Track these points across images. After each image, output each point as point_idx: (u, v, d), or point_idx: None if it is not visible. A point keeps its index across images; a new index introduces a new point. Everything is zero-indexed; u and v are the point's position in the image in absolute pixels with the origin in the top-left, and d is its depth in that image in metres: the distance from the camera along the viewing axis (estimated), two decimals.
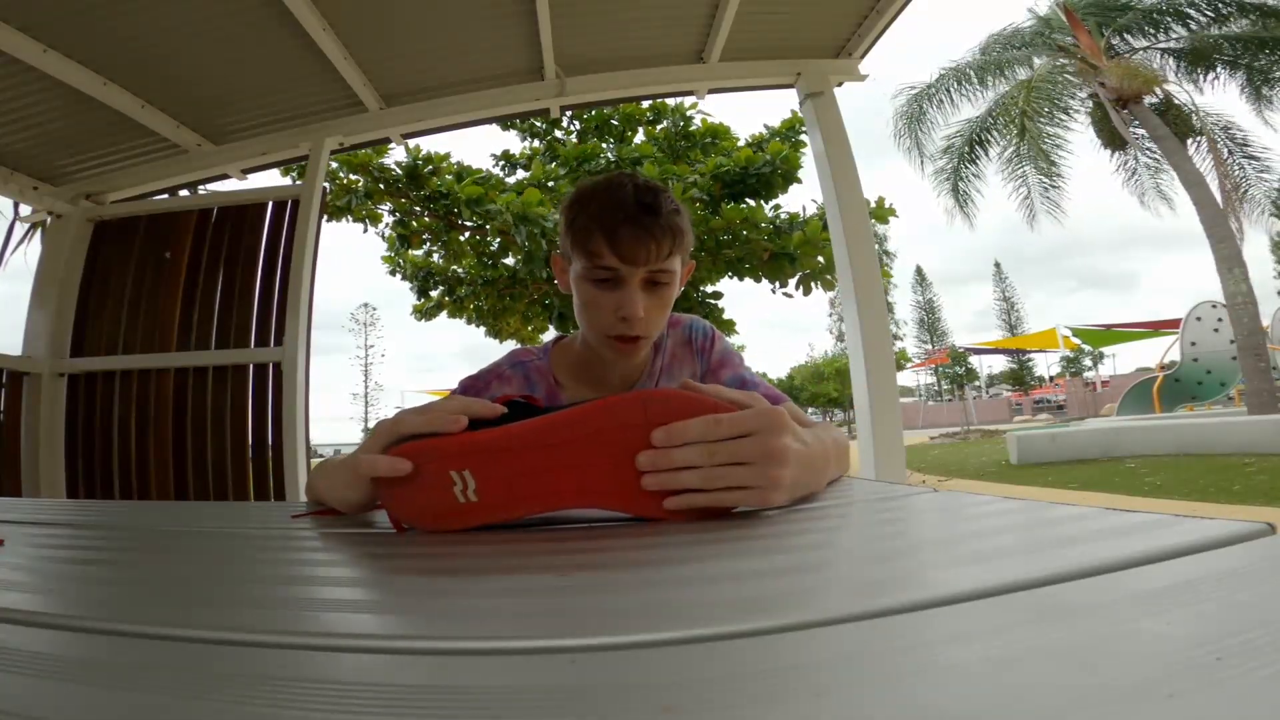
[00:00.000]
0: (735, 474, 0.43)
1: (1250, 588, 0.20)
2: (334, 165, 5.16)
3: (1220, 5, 9.58)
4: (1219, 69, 9.82)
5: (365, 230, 5.76)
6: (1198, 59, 9.82)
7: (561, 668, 0.17)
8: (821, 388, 33.73)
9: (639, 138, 6.38)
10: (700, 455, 0.42)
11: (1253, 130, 10.08)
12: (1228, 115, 10.21)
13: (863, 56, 2.37)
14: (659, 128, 6.31)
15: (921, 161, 10.84)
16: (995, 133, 10.52)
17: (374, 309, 45.91)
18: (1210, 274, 9.13)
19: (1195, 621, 0.18)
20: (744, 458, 0.43)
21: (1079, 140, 11.25)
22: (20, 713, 0.15)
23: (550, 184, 5.61)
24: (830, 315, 46.32)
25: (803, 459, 0.47)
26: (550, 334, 6.33)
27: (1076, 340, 17.05)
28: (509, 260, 6.04)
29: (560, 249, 0.89)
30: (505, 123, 5.96)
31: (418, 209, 5.67)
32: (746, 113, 5.93)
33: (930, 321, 50.50)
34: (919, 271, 51.33)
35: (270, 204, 2.54)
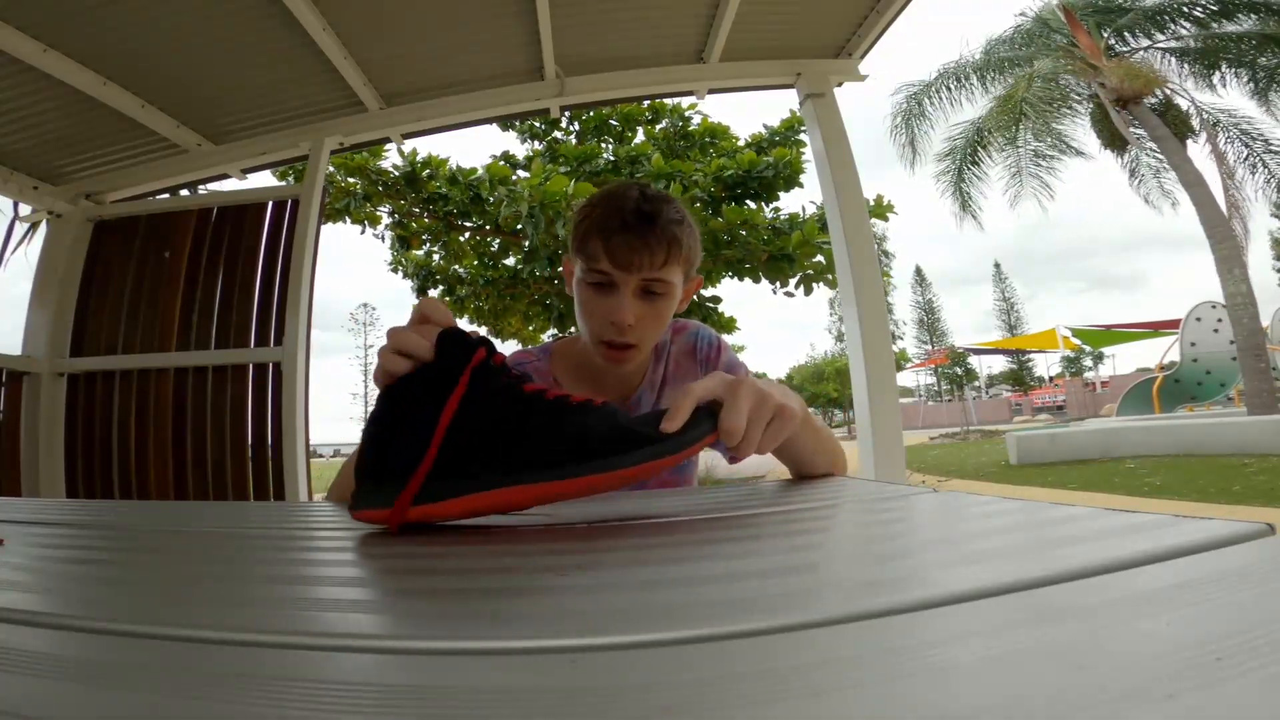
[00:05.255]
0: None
1: (1250, 588, 0.20)
2: (330, 169, 5.14)
3: (1226, 3, 9.57)
4: (1225, 68, 9.80)
5: (363, 232, 5.77)
6: (1208, 59, 9.80)
7: (561, 668, 0.17)
8: (821, 388, 33.76)
9: (639, 138, 6.38)
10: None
11: (1263, 128, 9.98)
12: (1241, 112, 10.19)
13: (863, 57, 2.37)
14: (658, 128, 6.31)
15: (914, 158, 10.83)
16: (993, 132, 10.52)
17: (374, 309, 45.96)
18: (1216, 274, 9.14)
19: (1195, 621, 0.17)
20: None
21: (1087, 142, 11.22)
22: (20, 713, 0.15)
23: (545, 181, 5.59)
24: (830, 315, 46.32)
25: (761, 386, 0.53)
26: (552, 334, 6.33)
27: (1076, 341, 17.06)
28: (510, 261, 6.04)
29: (569, 252, 0.90)
30: (505, 123, 5.96)
31: (416, 210, 5.67)
32: (745, 109, 5.93)
33: (930, 322, 50.52)
34: (918, 272, 51.36)
35: (270, 204, 2.53)
